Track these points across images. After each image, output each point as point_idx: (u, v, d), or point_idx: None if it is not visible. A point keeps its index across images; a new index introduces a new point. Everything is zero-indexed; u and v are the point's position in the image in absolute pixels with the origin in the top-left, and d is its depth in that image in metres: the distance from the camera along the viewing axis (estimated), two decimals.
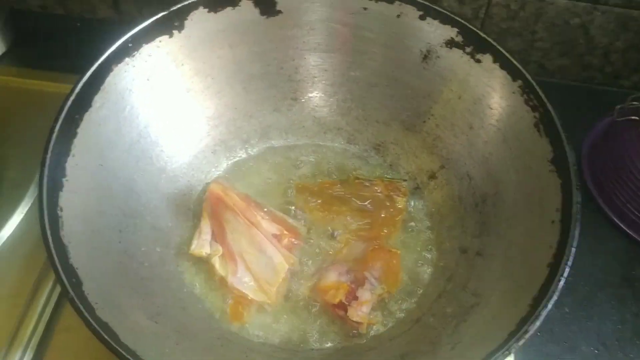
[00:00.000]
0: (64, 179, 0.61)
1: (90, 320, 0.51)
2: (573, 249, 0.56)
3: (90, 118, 0.65)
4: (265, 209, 0.72)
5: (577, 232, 0.57)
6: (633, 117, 0.84)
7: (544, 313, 0.53)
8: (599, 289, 0.81)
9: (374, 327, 0.67)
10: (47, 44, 1.02)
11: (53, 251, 0.55)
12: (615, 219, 0.87)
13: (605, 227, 0.87)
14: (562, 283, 0.55)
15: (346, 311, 0.65)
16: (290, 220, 0.73)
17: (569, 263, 0.55)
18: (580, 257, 0.82)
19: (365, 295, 0.65)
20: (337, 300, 0.65)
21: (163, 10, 0.71)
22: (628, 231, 0.86)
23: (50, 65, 0.95)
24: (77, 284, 0.54)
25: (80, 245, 0.59)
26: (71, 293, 0.52)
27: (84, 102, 0.65)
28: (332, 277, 0.67)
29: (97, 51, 0.68)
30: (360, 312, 0.64)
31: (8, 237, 0.75)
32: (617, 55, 1.01)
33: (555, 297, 0.54)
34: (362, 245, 0.71)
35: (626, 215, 0.86)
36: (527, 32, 1.00)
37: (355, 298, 0.65)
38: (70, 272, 0.55)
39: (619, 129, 0.88)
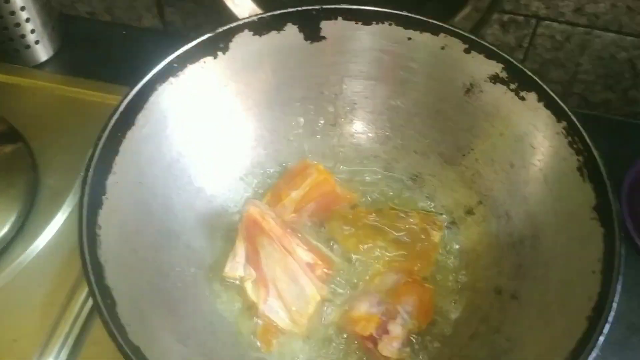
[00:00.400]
0: (103, 197, 0.62)
1: (122, 343, 0.51)
2: (614, 304, 0.54)
3: (132, 136, 0.66)
4: (300, 236, 0.72)
5: (618, 286, 0.56)
6: None
7: None
8: (632, 333, 0.79)
9: None
10: (93, 50, 1.04)
11: (90, 271, 0.55)
12: None
13: None
14: (602, 339, 0.53)
15: (376, 345, 0.64)
16: (325, 250, 0.72)
17: (610, 319, 0.54)
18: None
19: (397, 330, 0.64)
20: (367, 333, 0.64)
21: (208, 27, 0.72)
22: None
23: (94, 72, 0.97)
24: (111, 305, 0.55)
25: (117, 265, 0.59)
26: (105, 315, 0.53)
27: (127, 120, 0.66)
28: (363, 308, 0.67)
29: (142, 69, 0.69)
30: (390, 347, 0.63)
31: (44, 246, 0.76)
32: None
33: (594, 355, 0.52)
34: (395, 277, 0.70)
35: None
36: (571, 64, 0.98)
37: (387, 332, 0.64)
38: (106, 292, 0.56)
39: None
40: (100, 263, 0.57)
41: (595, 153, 0.64)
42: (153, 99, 0.69)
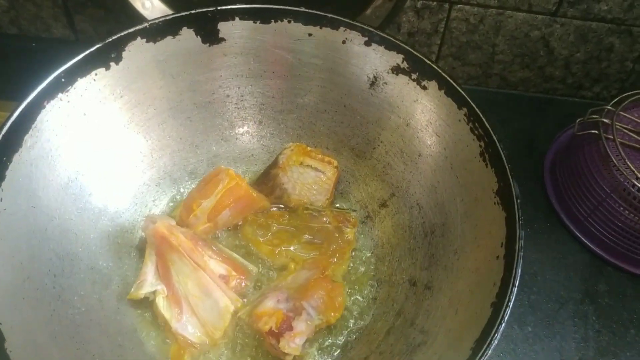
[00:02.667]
0: None
1: None
2: (515, 289, 0.54)
3: (20, 159, 0.63)
4: (214, 248, 0.70)
5: (519, 271, 0.56)
6: (593, 131, 0.83)
7: (484, 358, 0.51)
8: (561, 305, 0.81)
9: None
10: (0, 66, 0.99)
11: None
12: (577, 233, 0.86)
13: (568, 241, 0.87)
14: (502, 327, 0.53)
15: (278, 341, 0.62)
16: (240, 259, 0.71)
17: (511, 305, 0.54)
18: (543, 272, 0.83)
19: (301, 326, 0.63)
20: (267, 328, 0.62)
21: (100, 42, 0.68)
22: (590, 245, 0.85)
23: (3, 89, 0.92)
24: None
25: (7, 297, 0.56)
26: None
27: (13, 143, 0.63)
28: (269, 304, 0.65)
29: (28, 87, 0.65)
30: (292, 344, 0.62)
31: None
32: (577, 66, 1.01)
33: (495, 342, 0.52)
34: (307, 274, 0.69)
35: (588, 230, 0.85)
36: (488, 45, 0.99)
37: (290, 328, 0.63)
38: None
39: (579, 142, 0.87)
40: None
41: (495, 138, 0.64)
42: (41, 117, 0.65)
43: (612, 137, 0.81)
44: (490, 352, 0.52)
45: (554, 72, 1.02)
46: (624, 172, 0.78)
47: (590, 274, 0.84)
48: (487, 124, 0.65)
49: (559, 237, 0.87)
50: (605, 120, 0.83)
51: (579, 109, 0.91)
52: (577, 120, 0.88)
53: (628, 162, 0.78)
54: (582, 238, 0.86)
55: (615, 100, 0.86)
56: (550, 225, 0.88)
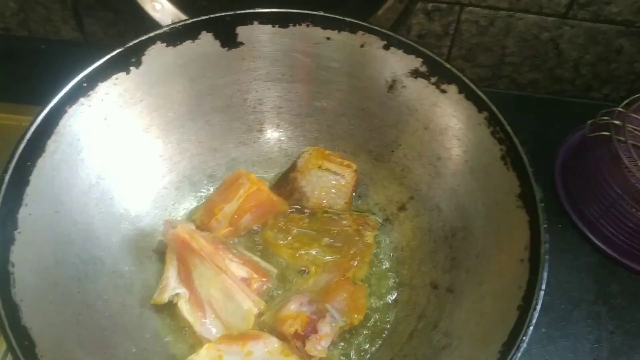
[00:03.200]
0: (15, 232, 0.58)
1: None
2: (542, 292, 0.55)
3: (44, 164, 0.63)
4: (235, 251, 0.70)
5: (545, 274, 0.56)
6: (604, 133, 0.84)
7: None
8: (574, 307, 0.81)
9: None
10: (10, 68, 0.99)
11: (2, 313, 0.52)
12: (589, 234, 0.87)
13: (579, 243, 0.87)
14: (531, 329, 0.53)
15: (304, 344, 0.63)
16: (261, 262, 0.71)
17: (538, 308, 0.54)
18: (556, 274, 0.83)
19: (326, 328, 0.63)
20: (292, 330, 0.63)
21: (131, 36, 0.69)
22: (602, 246, 0.86)
23: (12, 92, 0.92)
24: (29, 347, 0.52)
25: (35, 302, 0.57)
26: (22, 359, 0.50)
27: (36, 148, 0.63)
28: (292, 307, 0.65)
29: (51, 91, 0.65)
30: (318, 347, 0.62)
31: None
32: (587, 68, 1.01)
33: (524, 346, 0.53)
34: (328, 277, 0.70)
35: (599, 231, 0.86)
36: (498, 47, 1.00)
37: (315, 331, 0.63)
38: (23, 334, 0.53)
39: (590, 144, 0.87)
40: (16, 303, 0.54)
41: (516, 141, 0.64)
42: (63, 122, 0.66)
43: (623, 139, 0.81)
44: (519, 355, 0.52)
45: (564, 73, 1.03)
46: (636, 174, 0.78)
47: (602, 275, 0.84)
48: (508, 128, 0.65)
49: (570, 239, 0.87)
50: (616, 122, 0.83)
51: (588, 110, 0.91)
52: (588, 122, 0.88)
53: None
54: (594, 239, 0.86)
55: (626, 101, 0.86)
56: (562, 227, 0.89)
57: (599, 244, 0.86)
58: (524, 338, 0.52)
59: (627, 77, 1.03)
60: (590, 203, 0.86)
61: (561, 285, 0.83)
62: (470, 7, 0.93)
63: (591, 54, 0.99)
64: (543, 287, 0.55)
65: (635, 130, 0.83)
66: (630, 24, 0.93)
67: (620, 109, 0.85)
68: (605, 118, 0.86)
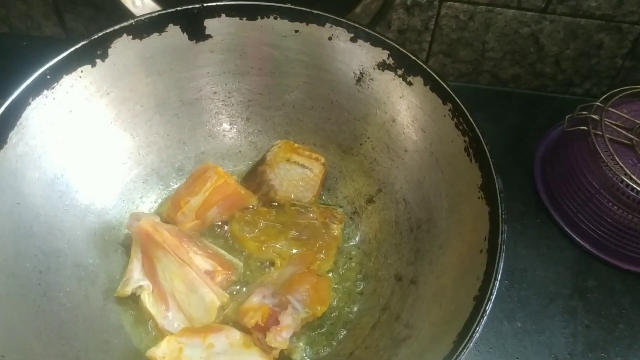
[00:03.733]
0: None
1: None
2: (497, 283, 0.54)
3: (5, 156, 0.63)
4: (200, 244, 0.70)
5: (501, 265, 0.56)
6: (582, 127, 0.83)
7: (465, 352, 0.51)
8: (550, 301, 0.81)
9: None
10: None
11: None
12: (567, 229, 0.86)
13: (557, 237, 0.87)
14: (484, 320, 0.53)
15: (266, 336, 0.62)
16: (226, 255, 0.71)
17: (493, 298, 0.54)
18: (533, 268, 0.83)
19: (287, 320, 0.63)
20: (253, 322, 0.62)
21: (86, 38, 0.69)
22: (579, 241, 0.85)
23: None
24: None
25: None
26: None
27: None
28: (254, 300, 0.65)
29: (12, 84, 0.65)
30: (279, 338, 0.62)
31: None
32: (568, 63, 1.01)
33: (477, 336, 0.52)
34: (293, 269, 0.69)
35: (577, 225, 0.85)
36: (478, 42, 0.99)
37: (277, 322, 0.63)
38: None
39: (569, 139, 0.87)
40: None
41: (479, 133, 0.64)
42: (26, 114, 0.65)
43: (600, 134, 0.81)
44: (471, 345, 0.52)
45: (544, 68, 1.02)
46: (613, 168, 0.78)
47: (579, 269, 0.84)
48: (471, 119, 0.65)
49: (548, 233, 0.87)
50: (594, 116, 0.83)
51: (569, 105, 0.91)
52: (567, 117, 0.88)
53: (617, 158, 0.78)
54: (572, 234, 0.86)
55: (605, 96, 0.86)
56: (540, 221, 0.88)
57: (576, 238, 0.86)
58: (477, 328, 0.52)
59: (608, 72, 1.02)
60: (568, 198, 0.86)
61: (538, 279, 0.83)
62: (449, 2, 0.93)
63: (572, 49, 0.98)
64: (498, 277, 0.55)
65: (613, 124, 0.83)
66: (610, 18, 0.93)
67: (598, 104, 0.85)
68: (584, 112, 0.85)
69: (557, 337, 0.77)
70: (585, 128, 0.83)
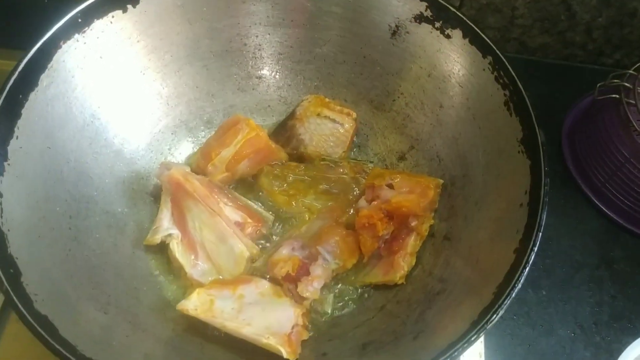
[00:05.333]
0: (5, 163, 0.57)
1: (25, 312, 0.48)
2: (540, 234, 0.53)
3: (36, 98, 0.62)
4: (230, 195, 0.69)
5: (544, 216, 0.55)
6: (614, 96, 0.81)
7: (507, 303, 0.51)
8: (576, 270, 0.80)
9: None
10: (14, 19, 0.97)
11: None
12: (594, 199, 0.85)
13: (585, 207, 0.85)
14: (527, 270, 0.52)
15: (297, 286, 0.62)
16: (256, 207, 0.70)
17: (535, 249, 0.53)
18: (559, 238, 0.82)
19: (317, 270, 0.63)
20: (283, 273, 0.62)
21: None
22: (607, 211, 0.84)
23: (16, 42, 0.90)
24: (14, 274, 0.51)
25: (23, 233, 0.56)
26: (5, 285, 0.49)
27: (29, 81, 0.62)
28: (284, 252, 0.65)
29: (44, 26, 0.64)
30: (310, 288, 0.61)
31: None
32: (599, 32, 0.98)
33: (519, 286, 0.51)
34: (321, 222, 0.69)
35: (605, 195, 0.84)
36: (508, 9, 0.97)
37: (308, 274, 0.63)
38: (8, 262, 0.52)
39: (599, 107, 0.85)
40: (2, 231, 0.54)
41: (520, 85, 0.62)
42: (57, 57, 0.64)
43: (633, 102, 0.79)
44: (513, 295, 0.51)
45: (575, 37, 1.00)
46: None
47: (606, 239, 0.83)
48: (512, 72, 0.63)
49: (575, 203, 0.86)
50: (626, 84, 0.81)
51: (598, 76, 0.89)
52: (598, 85, 0.86)
53: None
54: (599, 204, 0.84)
55: (638, 64, 0.84)
56: (567, 191, 0.87)
57: (603, 208, 0.84)
58: (520, 278, 0.51)
59: None
60: (596, 167, 0.84)
61: (564, 249, 0.82)
62: None
63: (604, 17, 0.96)
64: (541, 229, 0.53)
65: None
66: None
67: (631, 72, 0.83)
68: (616, 81, 0.83)
69: (582, 306, 0.76)
70: (617, 96, 0.81)
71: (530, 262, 0.52)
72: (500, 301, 0.51)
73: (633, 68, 0.83)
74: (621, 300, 0.78)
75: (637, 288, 0.79)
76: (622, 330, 0.75)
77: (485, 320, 0.50)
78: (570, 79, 1.02)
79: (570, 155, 0.90)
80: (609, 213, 0.84)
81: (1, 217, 0.54)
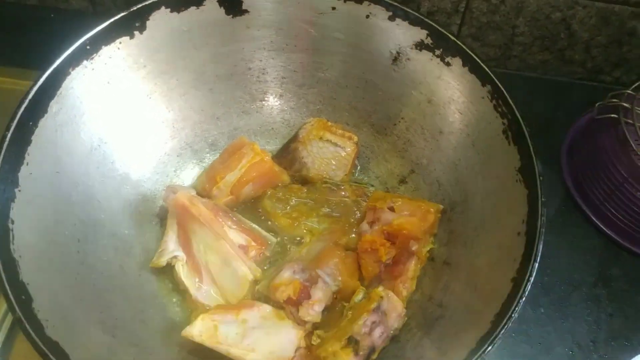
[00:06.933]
0: (16, 190, 0.59)
1: (37, 340, 0.50)
2: (536, 264, 0.54)
3: (46, 124, 0.63)
4: (234, 218, 0.70)
5: (540, 246, 0.56)
6: (612, 115, 0.83)
7: (504, 331, 0.52)
8: (574, 288, 0.81)
9: None
10: (18, 36, 0.99)
11: (1, 268, 0.53)
12: (593, 217, 0.86)
13: (583, 226, 0.86)
14: (523, 300, 0.53)
15: (298, 310, 0.63)
16: (259, 230, 0.71)
17: (532, 279, 0.54)
18: (558, 256, 0.83)
19: (318, 294, 0.64)
20: (285, 297, 0.63)
21: (125, 10, 0.69)
22: (605, 230, 0.85)
23: (18, 58, 0.92)
24: (26, 301, 0.53)
25: (34, 259, 0.57)
26: (18, 312, 0.51)
27: (39, 108, 0.63)
28: (285, 275, 0.65)
29: (54, 54, 0.65)
30: (311, 312, 0.63)
31: None
32: (598, 50, 1.00)
33: (516, 315, 0.53)
34: (322, 245, 0.70)
35: (603, 214, 0.85)
36: (508, 27, 0.98)
37: (309, 297, 0.64)
38: (20, 288, 0.53)
39: (598, 127, 0.86)
40: (14, 258, 0.55)
41: (518, 115, 0.63)
42: (66, 83, 0.66)
43: (631, 122, 0.80)
44: (510, 325, 0.52)
45: (574, 55, 1.01)
46: None
47: (604, 258, 0.84)
48: (510, 102, 0.64)
49: (574, 221, 0.87)
50: (625, 104, 0.82)
51: (598, 93, 0.90)
52: (597, 104, 0.87)
53: None
54: (598, 222, 0.85)
55: (636, 84, 0.85)
56: (566, 209, 0.88)
57: (602, 227, 0.85)
58: (517, 309, 0.52)
59: (639, 61, 1.01)
60: (595, 186, 0.85)
61: (562, 266, 0.82)
62: None
63: (603, 36, 0.97)
64: (538, 259, 0.55)
65: None
66: None
67: (629, 92, 0.84)
68: (614, 100, 0.84)
69: (580, 325, 0.77)
70: (616, 116, 0.82)
71: (527, 292, 0.54)
72: (498, 330, 0.52)
73: (631, 88, 0.84)
74: (619, 319, 0.79)
75: (635, 307, 0.80)
76: (620, 348, 0.76)
77: (482, 350, 0.52)
78: (571, 96, 1.03)
79: (570, 173, 0.91)
80: (608, 231, 0.85)
81: (13, 243, 0.56)
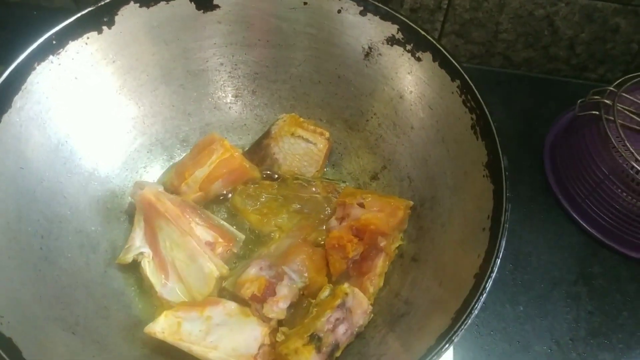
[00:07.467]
0: None
1: None
2: (498, 261, 0.54)
3: (9, 120, 0.63)
4: (202, 215, 0.70)
5: (503, 242, 0.55)
6: (594, 112, 0.82)
7: (463, 328, 0.51)
8: (554, 286, 0.80)
9: None
10: (2, 35, 0.99)
11: None
12: (574, 215, 0.85)
13: (564, 223, 0.86)
14: (484, 297, 0.52)
15: (263, 306, 0.63)
16: (228, 227, 0.70)
17: (493, 275, 0.53)
18: (538, 252, 0.82)
19: (283, 290, 0.63)
20: (249, 294, 0.63)
21: (93, 5, 0.68)
22: (586, 227, 0.84)
23: (2, 57, 0.91)
24: None
25: None
26: None
27: (2, 103, 0.63)
28: (251, 272, 0.65)
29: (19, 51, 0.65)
30: (276, 308, 0.62)
31: None
32: (582, 47, 0.99)
33: (476, 312, 0.52)
34: (290, 241, 0.69)
35: (585, 211, 0.84)
36: (491, 24, 0.97)
37: (274, 293, 0.63)
38: None
39: (580, 123, 0.86)
40: None
41: (486, 110, 0.62)
42: (31, 78, 0.65)
43: (612, 119, 0.79)
44: (470, 321, 0.51)
45: (558, 52, 1.00)
46: (624, 154, 0.77)
47: (585, 255, 0.83)
48: (479, 97, 0.64)
49: (555, 218, 0.86)
50: (606, 101, 0.82)
51: (581, 90, 0.90)
52: (579, 101, 0.87)
53: (628, 144, 0.76)
54: (579, 219, 0.85)
55: (618, 81, 0.84)
56: (547, 206, 0.87)
57: (583, 224, 0.84)
58: (477, 305, 0.51)
59: (623, 58, 1.00)
60: (576, 183, 0.84)
61: (542, 264, 0.82)
62: None
63: (587, 33, 0.96)
64: (500, 255, 0.54)
65: (626, 110, 0.81)
66: (627, 2, 0.90)
67: (611, 89, 0.83)
68: (596, 97, 0.84)
69: (559, 322, 0.77)
70: (597, 113, 0.81)
71: (488, 289, 0.53)
72: (457, 327, 0.51)
73: (613, 85, 0.84)
74: (598, 317, 0.78)
75: (615, 304, 0.79)
76: (599, 346, 0.75)
77: (440, 346, 0.51)
78: (555, 93, 1.03)
79: (552, 170, 0.91)
80: (589, 229, 0.84)
81: None
